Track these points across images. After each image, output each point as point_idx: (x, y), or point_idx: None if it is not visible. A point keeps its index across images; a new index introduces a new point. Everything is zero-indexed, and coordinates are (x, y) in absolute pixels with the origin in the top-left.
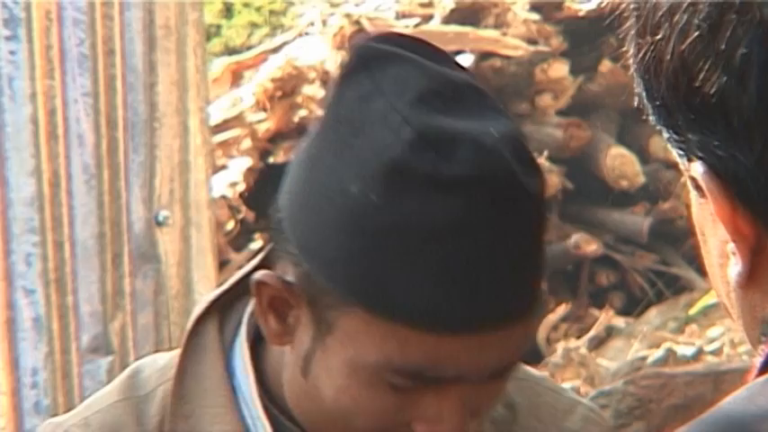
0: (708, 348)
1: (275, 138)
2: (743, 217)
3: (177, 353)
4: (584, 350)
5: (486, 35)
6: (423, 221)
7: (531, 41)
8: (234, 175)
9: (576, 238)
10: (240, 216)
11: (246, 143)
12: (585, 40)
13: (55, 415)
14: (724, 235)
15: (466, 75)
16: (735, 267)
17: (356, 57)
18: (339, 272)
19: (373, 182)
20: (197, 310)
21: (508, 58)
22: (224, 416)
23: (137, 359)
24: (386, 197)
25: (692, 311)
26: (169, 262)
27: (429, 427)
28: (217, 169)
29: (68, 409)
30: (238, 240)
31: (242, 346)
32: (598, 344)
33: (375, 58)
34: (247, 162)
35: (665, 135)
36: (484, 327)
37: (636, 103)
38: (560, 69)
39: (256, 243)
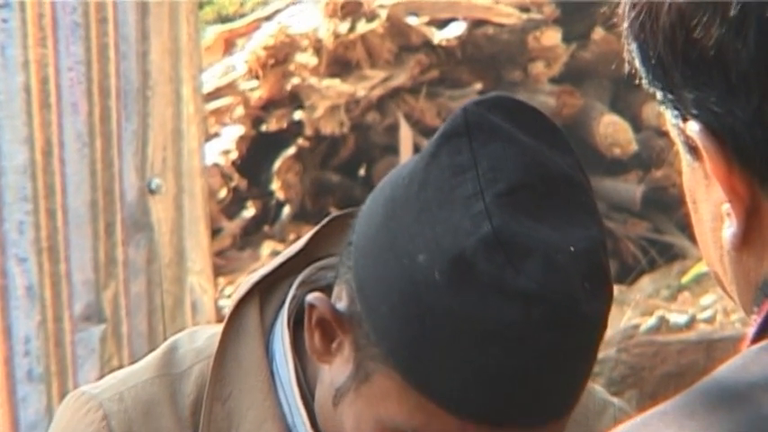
0: (701, 316)
1: (268, 106)
2: (738, 176)
3: (215, 331)
4: None
5: (479, 3)
6: (477, 320)
7: (524, 9)
8: (226, 143)
9: None
10: (233, 184)
11: (239, 111)
12: (578, 7)
13: (48, 383)
14: (718, 197)
15: (567, 160)
16: (729, 229)
17: (463, 119)
18: (387, 331)
19: (441, 262)
20: (240, 291)
21: (501, 25)
22: (261, 401)
23: (129, 327)
24: (449, 282)
25: (685, 279)
26: (162, 230)
27: None
28: (209, 137)
29: (60, 378)
30: (231, 208)
31: (283, 330)
32: None
33: (480, 127)
34: (240, 130)
35: (659, 96)
36: (514, 424)
37: (628, 70)
38: (553, 37)
39: (249, 211)
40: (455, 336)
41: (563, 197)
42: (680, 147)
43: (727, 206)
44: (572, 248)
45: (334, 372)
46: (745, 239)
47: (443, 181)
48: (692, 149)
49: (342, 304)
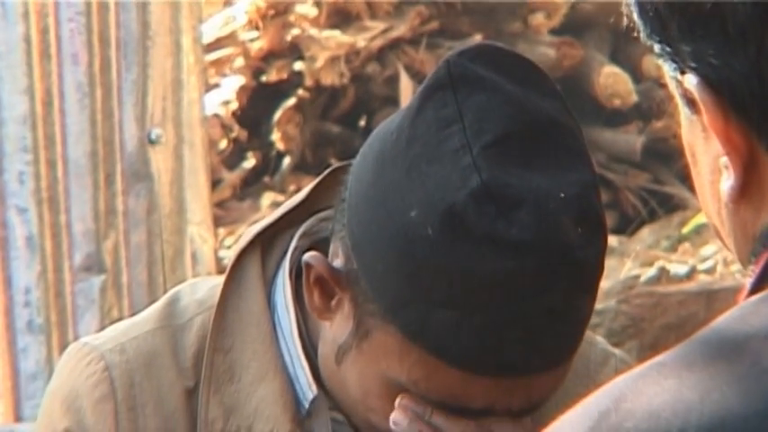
0: (701, 267)
1: (268, 56)
2: (736, 128)
3: (217, 283)
4: None
5: None
6: (471, 273)
7: None
8: (227, 94)
9: None
10: (233, 135)
11: (239, 62)
12: (576, 60)
13: (48, 334)
14: (716, 150)
15: (554, 104)
16: (727, 182)
17: (446, 72)
18: (384, 289)
19: (432, 217)
20: (241, 242)
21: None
22: (263, 353)
23: (129, 278)
24: (441, 237)
25: (686, 230)
26: (162, 180)
27: None
28: (209, 88)
29: (61, 328)
30: (231, 159)
31: (284, 282)
32: None
33: (463, 78)
34: (240, 81)
35: (657, 49)
36: (514, 372)
37: (627, 23)
38: None
39: (249, 162)
40: (451, 290)
41: (551, 143)
42: (678, 100)
43: (724, 159)
44: (562, 195)
45: (335, 329)
46: (743, 192)
47: (430, 135)
48: (690, 102)
49: (338, 262)
